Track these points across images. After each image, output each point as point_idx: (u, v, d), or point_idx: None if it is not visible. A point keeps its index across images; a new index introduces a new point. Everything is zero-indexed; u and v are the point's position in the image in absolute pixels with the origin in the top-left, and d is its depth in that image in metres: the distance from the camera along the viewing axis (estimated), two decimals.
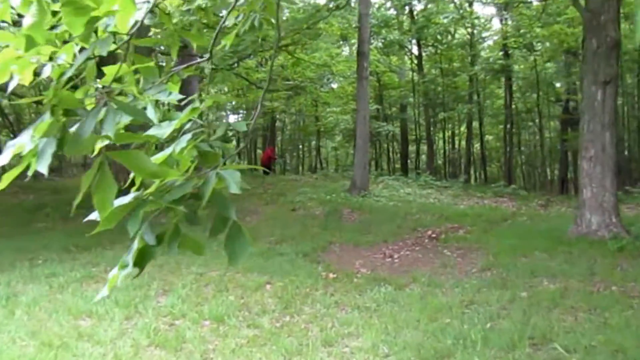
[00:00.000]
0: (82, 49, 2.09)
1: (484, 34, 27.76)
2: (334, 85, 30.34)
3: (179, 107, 2.62)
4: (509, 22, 24.23)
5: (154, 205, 2.06)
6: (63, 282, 8.46)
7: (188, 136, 2.31)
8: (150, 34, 3.32)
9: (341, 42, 26.44)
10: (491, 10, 26.48)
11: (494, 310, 6.80)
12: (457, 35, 29.17)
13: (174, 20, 3.29)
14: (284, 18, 17.28)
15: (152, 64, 2.60)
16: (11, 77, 2.01)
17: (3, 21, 2.06)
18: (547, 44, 24.11)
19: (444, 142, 32.39)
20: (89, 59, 2.05)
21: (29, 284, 8.49)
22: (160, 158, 2.22)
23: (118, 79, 2.57)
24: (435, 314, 6.69)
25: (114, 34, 2.17)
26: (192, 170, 2.30)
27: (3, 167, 1.81)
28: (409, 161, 31.42)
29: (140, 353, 5.82)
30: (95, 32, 2.12)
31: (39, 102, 1.99)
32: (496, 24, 27.28)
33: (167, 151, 2.26)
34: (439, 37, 27.78)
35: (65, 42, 2.11)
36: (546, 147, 28.84)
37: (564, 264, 8.87)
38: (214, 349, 5.89)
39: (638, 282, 7.81)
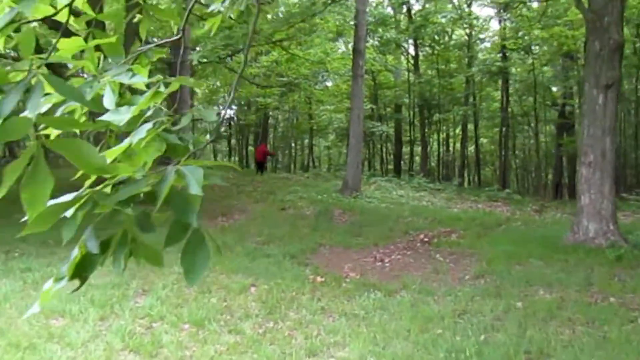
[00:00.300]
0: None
1: (482, 35, 27.51)
2: (329, 84, 30.06)
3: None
4: (508, 24, 23.90)
5: (99, 207, 1.73)
6: (38, 278, 8.09)
7: (148, 125, 1.97)
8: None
9: (337, 40, 26.12)
10: (490, 11, 26.23)
11: (488, 321, 6.48)
12: (454, 36, 28.94)
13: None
14: (280, 14, 16.92)
15: (114, 39, 2.27)
16: None
17: None
18: (545, 47, 23.87)
19: (439, 144, 32.16)
20: (17, 22, 1.71)
21: (2, 278, 8.13)
22: (115, 150, 1.88)
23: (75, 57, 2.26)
24: (426, 324, 6.35)
25: None
26: (152, 166, 1.96)
27: None
28: (402, 162, 31.16)
29: (113, 358, 5.47)
30: None
31: None
32: (495, 25, 27.09)
33: (124, 143, 1.91)
34: (436, 37, 27.54)
35: None
36: (541, 151, 28.63)
37: (560, 273, 8.56)
38: (192, 356, 5.55)
39: (637, 293, 7.52)
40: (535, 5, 22.21)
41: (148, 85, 2.21)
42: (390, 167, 32.37)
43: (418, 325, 6.28)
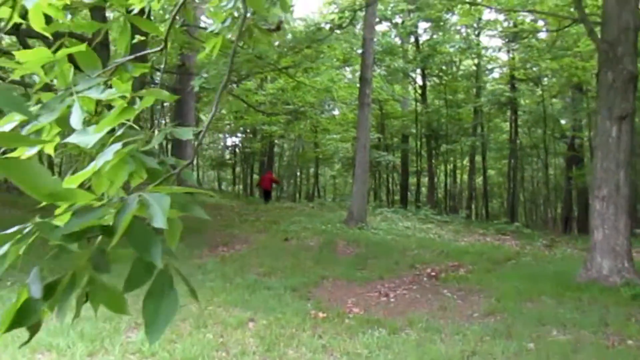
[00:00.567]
0: None
1: (490, 66, 27.36)
2: (336, 112, 29.92)
3: None
4: (517, 54, 23.71)
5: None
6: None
7: (117, 146, 1.66)
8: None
9: (343, 69, 26.02)
10: (498, 42, 26.12)
11: None
12: (462, 67, 28.82)
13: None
14: (286, 42, 16.77)
15: (83, 47, 2.00)
16: None
17: None
18: (554, 79, 23.68)
19: (446, 176, 31.84)
20: None
21: None
22: (80, 176, 1.58)
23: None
24: None
25: None
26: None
27: None
28: (408, 193, 30.83)
29: None
30: None
31: None
32: (503, 56, 26.95)
33: (89, 167, 1.62)
34: (444, 67, 27.42)
35: None
36: (550, 184, 28.29)
37: (574, 312, 8.16)
38: None
39: None
40: (543, 36, 22.06)
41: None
42: (397, 197, 32.07)
43: None
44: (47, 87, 1.93)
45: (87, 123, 1.85)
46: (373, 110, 23.22)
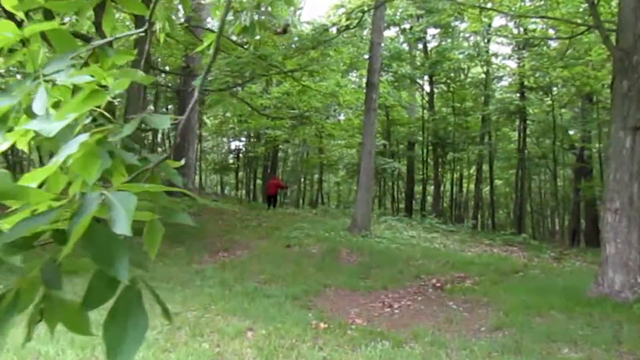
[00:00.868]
0: None
1: (500, 73, 27.08)
2: (341, 118, 29.70)
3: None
4: (527, 62, 23.38)
5: None
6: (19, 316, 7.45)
7: (83, 137, 1.39)
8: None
9: (350, 74, 25.80)
10: (507, 49, 25.85)
11: None
12: (470, 74, 28.56)
13: None
14: (292, 45, 16.53)
15: (55, 24, 1.73)
16: None
17: None
18: (565, 89, 23.41)
19: (452, 184, 31.52)
20: None
21: None
22: (41, 172, 1.35)
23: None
24: None
25: None
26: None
27: None
28: (414, 202, 30.53)
29: None
30: None
31: None
32: (512, 64, 26.69)
33: (53, 160, 1.35)
34: (452, 74, 27.17)
35: None
36: (558, 195, 27.99)
37: (586, 328, 7.84)
38: None
39: None
40: (554, 45, 21.78)
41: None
42: (402, 206, 31.77)
43: None
44: None
45: None
46: (379, 116, 22.99)
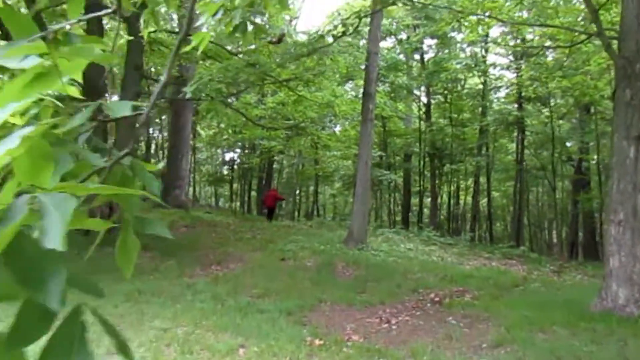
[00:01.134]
0: None
1: (497, 84, 26.93)
2: (337, 129, 29.49)
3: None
4: (526, 71, 23.22)
5: None
6: None
7: (26, 130, 1.12)
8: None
9: (346, 84, 25.61)
10: (504, 60, 25.70)
11: None
12: (467, 85, 28.43)
13: None
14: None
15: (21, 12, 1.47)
16: None
17: None
18: (562, 100, 23.27)
19: (450, 196, 31.29)
20: None
21: None
22: None
23: None
24: None
25: None
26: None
27: None
28: (410, 214, 30.27)
29: None
30: None
31: None
32: (509, 75, 26.55)
33: None
34: (449, 85, 27.01)
35: None
36: (557, 207, 27.80)
37: (590, 345, 7.55)
38: None
39: None
40: (552, 55, 21.64)
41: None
42: (398, 218, 31.52)
43: None
44: None
45: None
46: (376, 127, 22.76)
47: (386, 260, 14.47)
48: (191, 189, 32.24)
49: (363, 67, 17.35)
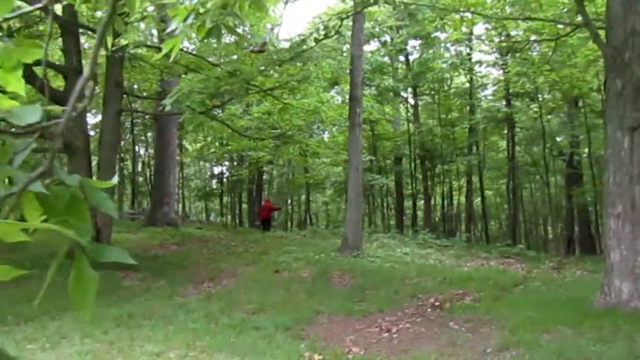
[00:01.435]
0: None
1: (484, 81, 26.81)
2: (325, 136, 29.28)
3: None
4: (512, 67, 23.08)
5: None
6: None
7: None
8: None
9: (332, 90, 25.42)
10: (490, 58, 25.54)
11: None
12: (454, 84, 28.31)
13: None
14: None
15: None
16: None
17: None
18: (550, 95, 23.13)
19: (443, 198, 31.09)
20: None
21: None
22: None
23: None
24: None
25: None
26: None
27: None
28: (404, 217, 30.04)
29: None
30: None
31: None
32: (496, 72, 26.45)
33: None
34: (436, 85, 26.87)
35: None
36: (551, 203, 27.65)
37: (598, 343, 7.31)
38: None
39: None
40: (535, 53, 21.50)
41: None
42: (392, 222, 31.28)
43: None
44: None
45: None
46: (364, 131, 22.56)
47: (383, 266, 14.23)
48: (180, 205, 31.91)
49: (348, 71, 17.13)
